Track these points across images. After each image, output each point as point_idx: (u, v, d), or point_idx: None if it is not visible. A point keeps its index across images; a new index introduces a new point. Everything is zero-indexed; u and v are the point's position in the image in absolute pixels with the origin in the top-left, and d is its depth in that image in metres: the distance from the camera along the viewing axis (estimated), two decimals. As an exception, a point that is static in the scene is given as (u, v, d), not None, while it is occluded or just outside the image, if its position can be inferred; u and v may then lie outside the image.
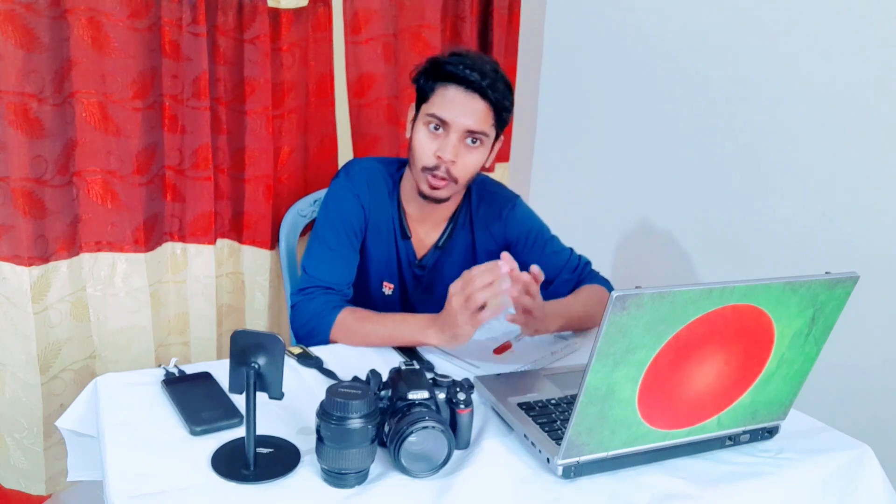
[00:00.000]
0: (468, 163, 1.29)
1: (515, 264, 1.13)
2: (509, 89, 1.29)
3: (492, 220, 1.44)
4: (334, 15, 1.68)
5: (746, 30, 1.64)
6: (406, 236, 1.40)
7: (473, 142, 1.28)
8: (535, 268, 1.17)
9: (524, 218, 1.46)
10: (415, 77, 1.33)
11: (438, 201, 1.34)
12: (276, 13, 1.56)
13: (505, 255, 1.13)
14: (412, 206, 1.40)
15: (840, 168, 1.49)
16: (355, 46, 1.74)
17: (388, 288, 1.42)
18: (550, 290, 1.44)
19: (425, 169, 1.28)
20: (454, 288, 1.13)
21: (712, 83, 1.73)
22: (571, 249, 1.47)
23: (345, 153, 1.80)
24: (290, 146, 1.68)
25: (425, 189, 1.30)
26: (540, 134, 2.26)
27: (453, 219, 1.43)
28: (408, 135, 1.34)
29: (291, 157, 1.69)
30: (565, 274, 1.43)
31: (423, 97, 1.30)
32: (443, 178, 1.28)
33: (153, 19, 1.42)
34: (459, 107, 1.25)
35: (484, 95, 1.25)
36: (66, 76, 1.37)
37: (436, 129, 1.27)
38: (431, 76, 1.28)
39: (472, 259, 1.46)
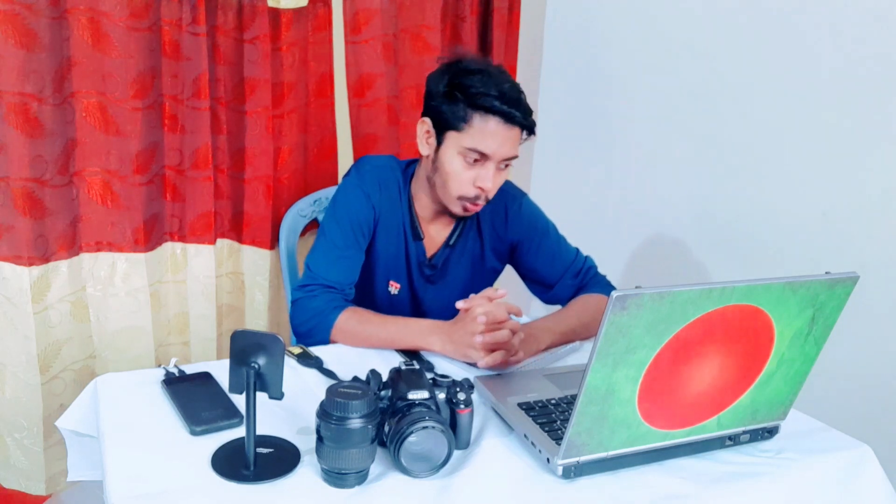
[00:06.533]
0: (500, 182, 1.31)
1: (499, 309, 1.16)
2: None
3: (498, 219, 1.44)
4: (334, 15, 1.68)
5: (746, 30, 1.64)
6: (418, 237, 1.40)
7: (506, 164, 1.30)
8: (512, 307, 1.19)
9: (530, 217, 1.45)
10: (432, 97, 1.28)
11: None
12: (275, 13, 1.56)
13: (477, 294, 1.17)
14: (423, 207, 1.39)
15: (840, 168, 1.49)
16: (355, 46, 1.74)
17: (394, 287, 1.42)
18: (552, 293, 1.44)
19: (463, 198, 1.29)
20: (470, 307, 1.16)
21: (712, 82, 1.73)
22: (577, 251, 1.46)
23: (345, 153, 1.80)
24: (289, 146, 1.68)
25: (458, 212, 1.32)
26: (540, 134, 2.25)
27: (462, 217, 1.42)
28: (424, 152, 1.32)
29: (291, 157, 1.69)
30: (568, 278, 1.42)
31: (447, 122, 1.26)
32: (480, 204, 1.30)
33: (153, 19, 1.42)
34: (500, 139, 1.24)
35: (521, 125, 1.26)
36: (66, 76, 1.37)
37: (474, 160, 1.26)
38: (459, 101, 1.23)
39: (481, 257, 1.45)
